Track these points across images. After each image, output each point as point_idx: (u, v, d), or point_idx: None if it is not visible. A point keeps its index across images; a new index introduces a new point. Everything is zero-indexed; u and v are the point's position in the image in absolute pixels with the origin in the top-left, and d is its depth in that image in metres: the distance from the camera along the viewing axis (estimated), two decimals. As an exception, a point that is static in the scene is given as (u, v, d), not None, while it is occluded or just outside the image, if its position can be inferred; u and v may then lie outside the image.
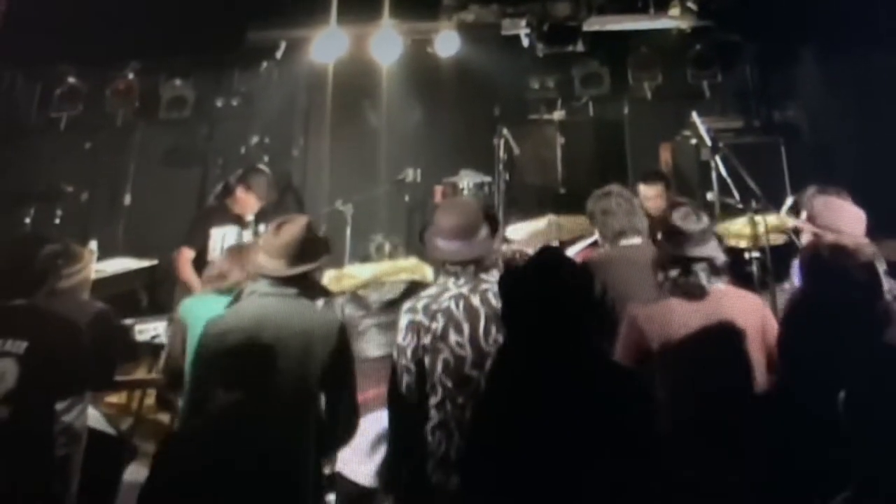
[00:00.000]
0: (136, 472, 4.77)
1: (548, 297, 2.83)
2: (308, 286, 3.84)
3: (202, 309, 4.38)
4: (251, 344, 3.47)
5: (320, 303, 4.91)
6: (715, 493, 3.31)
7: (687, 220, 3.83)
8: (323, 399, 3.63)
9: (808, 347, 2.96)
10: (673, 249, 3.80)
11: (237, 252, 4.75)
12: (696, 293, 3.73)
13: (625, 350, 3.75)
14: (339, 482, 4.69)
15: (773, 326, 3.75)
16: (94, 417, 4.73)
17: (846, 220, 4.46)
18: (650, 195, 6.43)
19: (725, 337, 3.65)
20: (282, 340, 3.49)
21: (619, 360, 3.73)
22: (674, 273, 3.78)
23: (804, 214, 4.77)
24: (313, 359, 3.55)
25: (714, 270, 3.78)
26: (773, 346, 3.69)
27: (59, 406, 3.83)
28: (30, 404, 3.70)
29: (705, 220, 3.89)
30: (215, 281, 4.61)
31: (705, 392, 3.54)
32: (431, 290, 3.81)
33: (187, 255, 6.59)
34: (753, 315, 3.77)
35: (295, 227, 3.81)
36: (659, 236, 3.99)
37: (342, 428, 3.70)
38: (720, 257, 3.84)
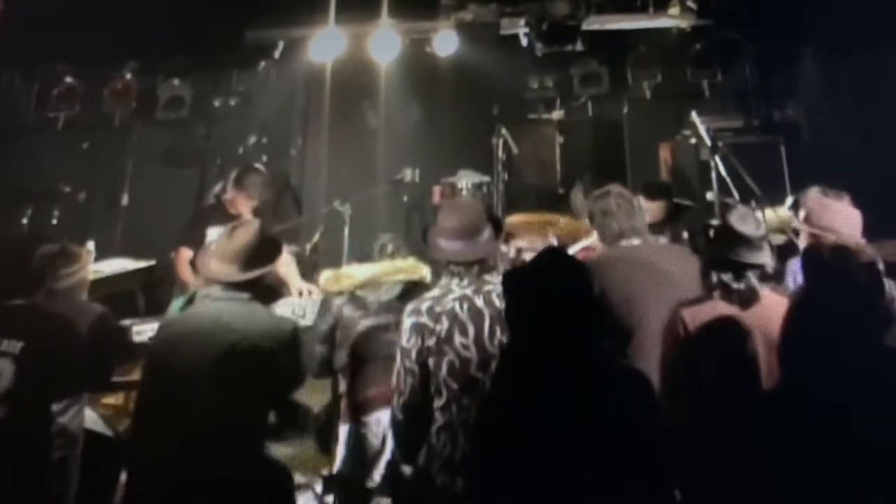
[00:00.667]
0: (133, 474, 4.75)
1: (551, 297, 2.82)
2: (261, 290, 3.82)
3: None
4: (204, 349, 3.46)
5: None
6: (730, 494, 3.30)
7: (745, 223, 3.73)
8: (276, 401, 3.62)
9: (811, 349, 2.94)
10: (727, 252, 3.71)
11: None
12: (748, 300, 3.67)
13: (667, 349, 3.72)
14: (338, 482, 4.69)
15: None
16: (91, 419, 4.71)
17: (841, 220, 4.45)
18: (650, 208, 6.37)
19: (765, 342, 3.57)
20: (235, 345, 3.49)
21: (659, 358, 3.73)
22: (726, 277, 3.70)
23: (801, 215, 4.76)
24: (266, 362, 3.54)
25: (764, 276, 3.72)
26: None
27: (55, 407, 3.82)
28: (26, 404, 3.69)
29: (763, 225, 3.81)
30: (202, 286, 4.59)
31: (736, 394, 3.51)
32: (434, 292, 3.79)
33: (185, 255, 6.58)
34: None
35: (247, 231, 3.81)
36: (711, 234, 3.92)
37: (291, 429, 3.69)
38: (771, 264, 3.79)
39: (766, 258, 3.74)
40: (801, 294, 3.40)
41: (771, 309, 3.70)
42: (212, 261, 3.76)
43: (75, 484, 4.00)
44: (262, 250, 3.80)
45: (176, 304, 4.68)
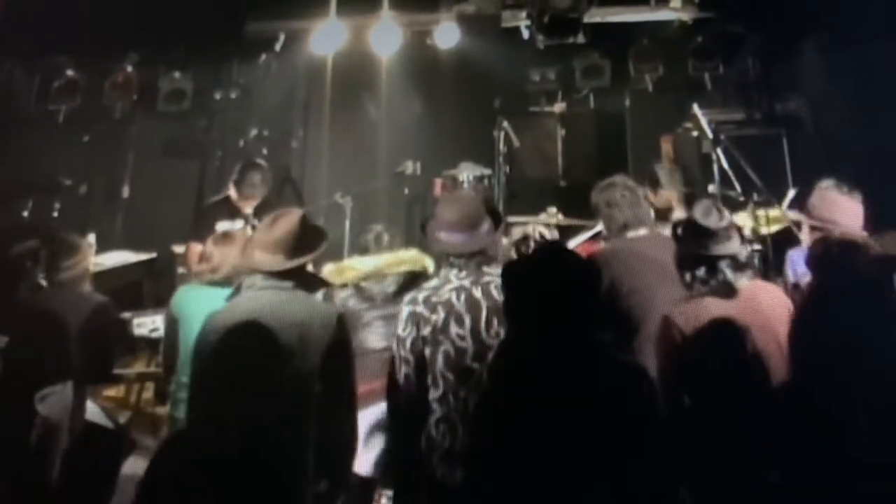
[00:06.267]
0: (134, 465, 4.75)
1: (550, 290, 2.81)
2: (305, 278, 3.82)
3: (193, 300, 4.38)
4: (250, 338, 3.45)
5: (319, 295, 4.90)
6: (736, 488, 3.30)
7: (708, 216, 3.77)
8: (321, 390, 3.60)
9: (821, 343, 2.95)
10: (696, 247, 3.74)
11: (222, 240, 4.73)
12: (726, 292, 3.68)
13: (660, 349, 3.72)
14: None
15: None
16: (92, 411, 4.72)
17: (842, 213, 4.46)
18: (662, 200, 6.35)
19: (761, 334, 3.60)
20: (280, 333, 3.47)
21: (655, 358, 3.72)
22: (700, 272, 3.72)
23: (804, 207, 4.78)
24: (312, 350, 3.53)
25: (738, 266, 3.74)
26: None
27: (36, 395, 3.82)
28: (12, 397, 3.69)
29: (727, 215, 3.83)
30: (207, 273, 4.58)
31: (742, 390, 3.51)
32: (433, 283, 3.81)
33: (196, 249, 6.57)
34: (782, 309, 3.75)
35: (289, 220, 3.79)
36: (679, 232, 3.93)
37: (340, 419, 3.67)
38: (743, 253, 3.80)
39: (734, 248, 3.76)
40: (812, 287, 3.40)
41: (758, 297, 3.71)
42: (255, 250, 3.76)
43: (55, 469, 4.00)
44: (306, 238, 3.79)
45: (176, 296, 4.66)
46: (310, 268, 4.03)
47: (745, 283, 3.77)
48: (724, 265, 3.71)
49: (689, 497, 3.39)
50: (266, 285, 3.69)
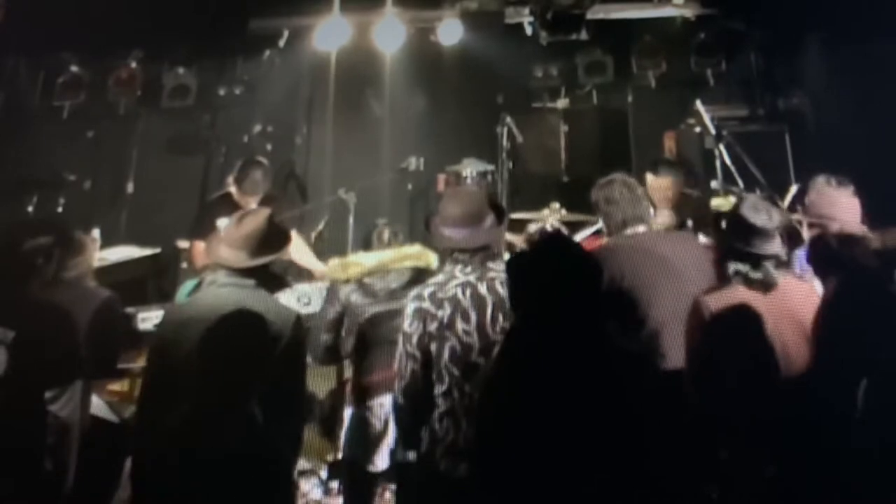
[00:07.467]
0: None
1: (552, 280, 2.83)
2: (267, 277, 3.83)
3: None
4: (209, 332, 3.46)
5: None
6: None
7: (757, 214, 3.74)
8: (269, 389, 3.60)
9: (834, 339, 2.97)
10: (742, 245, 3.72)
11: None
12: (767, 288, 3.68)
13: (691, 337, 3.73)
14: (342, 467, 4.71)
15: None
16: (97, 405, 4.75)
17: (839, 209, 4.47)
18: (659, 186, 6.24)
19: (790, 328, 3.61)
20: (238, 331, 3.48)
21: (684, 347, 3.73)
22: (744, 268, 3.71)
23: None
24: (268, 350, 3.54)
25: (780, 264, 3.73)
26: None
27: (46, 395, 3.84)
28: (19, 391, 3.72)
29: (776, 216, 3.81)
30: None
31: (766, 382, 3.53)
32: (438, 278, 3.80)
33: (200, 247, 6.59)
34: (813, 306, 3.75)
35: (256, 219, 3.82)
36: (723, 225, 3.92)
37: (282, 420, 3.65)
38: (784, 252, 3.80)
39: (778, 247, 3.75)
40: (832, 287, 3.41)
41: (791, 292, 3.71)
42: (220, 246, 3.78)
43: (72, 468, 4.03)
44: (271, 238, 3.81)
45: (184, 288, 4.68)
46: (298, 258, 3.99)
47: (782, 278, 3.77)
48: (767, 263, 3.70)
49: (713, 489, 3.41)
50: (228, 282, 3.71)
